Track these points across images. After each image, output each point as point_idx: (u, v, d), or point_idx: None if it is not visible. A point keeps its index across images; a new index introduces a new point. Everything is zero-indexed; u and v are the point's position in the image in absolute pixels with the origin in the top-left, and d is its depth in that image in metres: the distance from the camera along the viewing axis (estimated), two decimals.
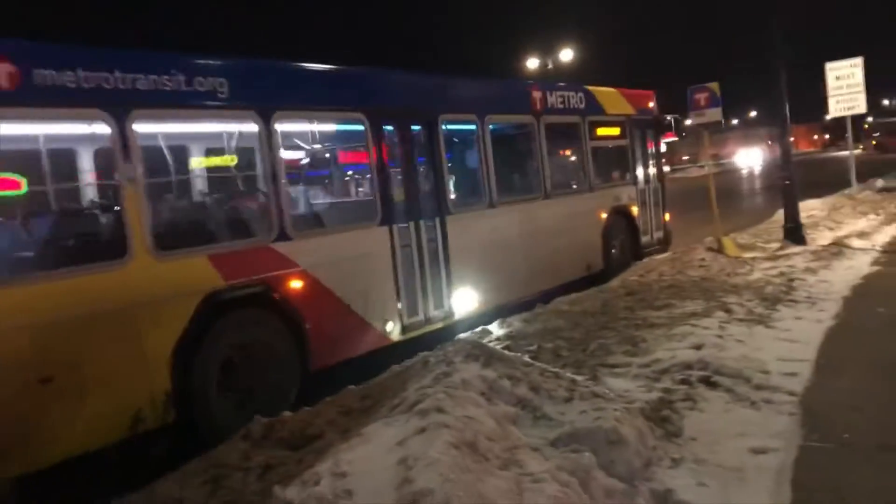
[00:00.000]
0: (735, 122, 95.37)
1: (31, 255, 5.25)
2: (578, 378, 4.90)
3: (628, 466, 3.80)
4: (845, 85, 18.00)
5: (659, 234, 11.70)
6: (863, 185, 20.03)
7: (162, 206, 6.07)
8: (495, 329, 7.59)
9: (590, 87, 10.50)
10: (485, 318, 8.21)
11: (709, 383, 5.29)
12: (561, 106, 9.83)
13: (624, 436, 3.87)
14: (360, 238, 7.00)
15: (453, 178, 8.47)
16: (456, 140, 8.85)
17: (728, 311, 7.42)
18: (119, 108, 5.26)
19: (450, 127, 8.27)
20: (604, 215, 10.40)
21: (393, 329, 7.25)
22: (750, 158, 59.98)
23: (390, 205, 7.28)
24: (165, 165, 6.27)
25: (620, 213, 10.73)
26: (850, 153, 19.89)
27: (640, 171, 11.44)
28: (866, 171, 23.85)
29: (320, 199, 8.08)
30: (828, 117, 20.04)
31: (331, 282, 6.55)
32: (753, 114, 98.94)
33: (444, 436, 3.36)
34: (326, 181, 8.65)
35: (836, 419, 4.72)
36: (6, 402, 4.50)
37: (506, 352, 5.08)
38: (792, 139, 12.50)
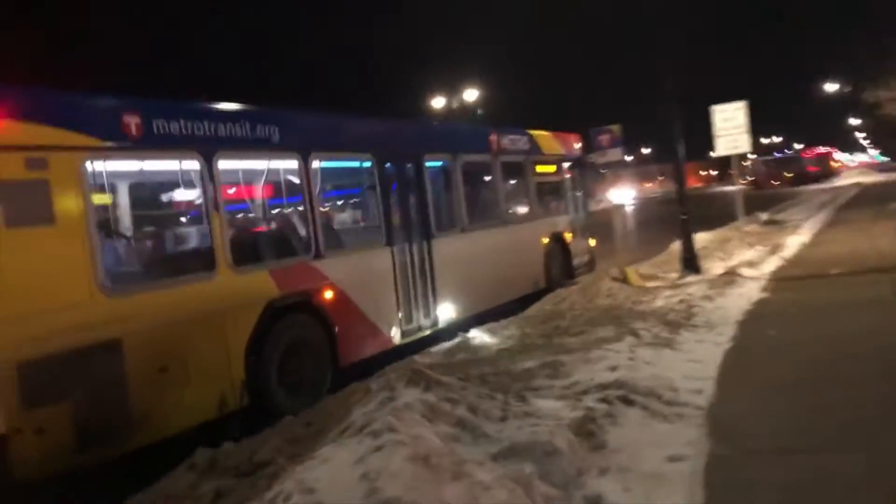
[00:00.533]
0: (629, 158, 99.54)
1: (152, 268, 6.67)
2: (510, 399, 5.29)
3: (563, 475, 4.20)
4: (731, 126, 19.43)
5: (585, 258, 13.27)
6: (748, 219, 21.53)
7: (236, 229, 7.31)
8: (420, 358, 7.91)
9: (530, 132, 12.16)
10: (460, 326, 9.44)
11: (625, 401, 5.75)
12: (512, 147, 11.49)
13: (558, 447, 4.27)
14: (371, 257, 8.43)
15: (434, 207, 9.77)
16: (435, 175, 10.15)
17: (637, 335, 7.97)
18: (208, 149, 6.62)
19: (430, 164, 9.72)
20: (545, 241, 11.98)
21: (395, 334, 8.58)
22: (622, 196, 60.74)
23: (392, 229, 8.72)
24: (238, 196, 7.76)
25: (557, 240, 12.34)
26: (736, 189, 21.35)
27: (570, 204, 13.20)
28: (749, 206, 25.56)
29: (340, 224, 9.42)
30: (714, 155, 21.47)
31: (351, 292, 7.89)
32: (647, 151, 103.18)
33: (401, 451, 3.67)
34: (344, 208, 10.07)
35: (738, 429, 5.28)
36: (136, 387, 5.61)
37: (443, 377, 5.42)
38: None
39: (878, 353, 6.78)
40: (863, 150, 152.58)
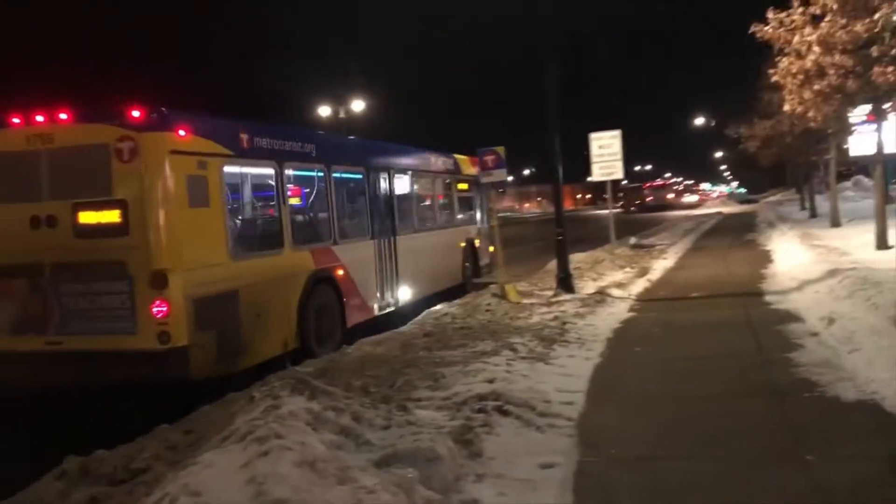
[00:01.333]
0: (511, 178, 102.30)
1: (251, 243, 8.82)
2: (393, 409, 5.43)
3: (443, 481, 4.39)
4: (606, 153, 20.40)
5: (487, 261, 15.92)
6: (619, 242, 22.63)
7: (293, 219, 9.49)
8: (303, 368, 7.92)
9: (455, 155, 15.25)
10: (412, 307, 11.96)
11: (502, 412, 6.01)
12: (444, 168, 14.58)
13: (439, 454, 4.45)
14: (363, 246, 10.99)
15: (398, 211, 12.33)
16: (398, 185, 12.48)
17: (513, 350, 8.29)
18: (280, 159, 9.17)
19: (397, 176, 12.21)
20: (462, 244, 15.02)
21: (375, 307, 11.14)
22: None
23: (374, 227, 11.33)
24: (293, 194, 9.83)
25: (470, 244, 15.41)
26: (609, 213, 22.39)
27: (479, 216, 16.14)
28: (621, 230, 26.83)
29: (345, 219, 11.16)
30: (590, 179, 22.49)
31: (352, 272, 10.37)
32: (527, 172, 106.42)
33: (288, 457, 3.74)
34: (347, 207, 11.73)
35: (604, 438, 5.64)
36: (245, 324, 7.83)
37: (328, 386, 5.50)
38: None
39: (734, 370, 7.39)
40: (726, 181, 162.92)
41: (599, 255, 18.65)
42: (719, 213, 50.52)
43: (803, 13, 14.30)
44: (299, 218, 10.05)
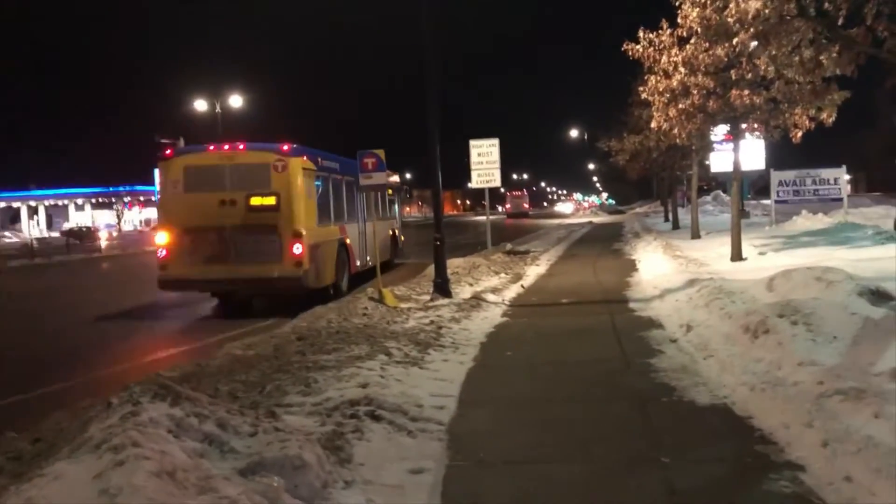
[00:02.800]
0: (395, 179, 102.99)
1: (321, 219, 14.35)
2: (261, 415, 5.28)
3: (310, 489, 4.30)
4: (485, 161, 20.76)
5: (400, 247, 22.89)
6: (496, 248, 23.04)
7: (333, 206, 15.26)
8: (169, 372, 7.62)
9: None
10: (363, 275, 16.91)
11: (374, 417, 5.98)
12: (387, 178, 18.60)
13: (307, 461, 4.36)
14: (354, 227, 16.73)
15: (366, 206, 17.77)
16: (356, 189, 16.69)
17: (389, 354, 8.28)
18: (329, 172, 15.52)
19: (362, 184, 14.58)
20: (390, 232, 21.28)
21: (359, 263, 16.72)
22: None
23: (358, 214, 17.21)
24: (332, 193, 15.48)
25: (394, 232, 21.88)
26: (487, 219, 22.75)
27: (396, 213, 22.91)
28: (498, 236, 27.28)
29: (347, 209, 16.67)
30: (470, 186, 22.78)
31: (350, 240, 16.14)
32: (408, 176, 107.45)
33: (145, 466, 3.56)
34: (347, 201, 16.91)
35: (474, 443, 5.70)
36: (321, 263, 13.79)
37: (193, 391, 5.29)
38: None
39: (599, 375, 7.66)
40: (597, 192, 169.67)
41: (476, 260, 18.91)
42: (590, 223, 52.43)
43: (671, 34, 15.06)
44: (334, 206, 15.75)
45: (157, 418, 4.61)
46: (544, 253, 24.08)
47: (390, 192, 21.56)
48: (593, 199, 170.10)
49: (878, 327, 7.13)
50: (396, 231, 22.44)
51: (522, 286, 15.36)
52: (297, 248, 13.35)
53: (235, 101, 34.31)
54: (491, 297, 13.39)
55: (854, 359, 6.41)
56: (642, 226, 39.85)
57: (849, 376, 5.84)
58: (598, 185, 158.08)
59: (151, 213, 76.51)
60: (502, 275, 17.00)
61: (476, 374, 7.96)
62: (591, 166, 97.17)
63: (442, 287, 13.17)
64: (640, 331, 9.81)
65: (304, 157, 13.96)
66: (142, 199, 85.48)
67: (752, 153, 24.26)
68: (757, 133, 17.23)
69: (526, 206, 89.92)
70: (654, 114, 16.07)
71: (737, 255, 16.22)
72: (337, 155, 16.28)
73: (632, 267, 18.59)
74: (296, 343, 8.94)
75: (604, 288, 14.69)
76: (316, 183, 14.41)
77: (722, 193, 47.04)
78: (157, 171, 14.69)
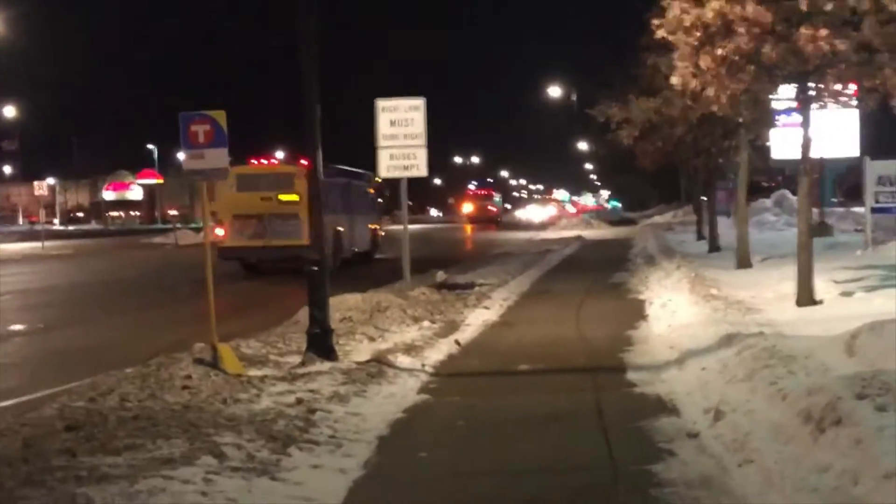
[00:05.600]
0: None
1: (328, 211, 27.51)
2: None
3: None
4: (402, 134, 20.75)
5: (380, 241, 41.53)
6: (419, 278, 22.98)
7: (335, 202, 34.24)
8: None
9: (368, 172, 37.49)
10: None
11: None
12: (373, 182, 40.59)
13: None
14: (342, 219, 35.83)
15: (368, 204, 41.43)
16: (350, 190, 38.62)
17: (220, 455, 8.13)
18: (331, 176, 33.42)
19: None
20: (371, 227, 40.56)
21: (348, 251, 36.21)
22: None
23: (349, 210, 37.24)
24: (338, 194, 35.78)
25: (374, 227, 41.05)
26: (405, 231, 22.67)
27: (377, 209, 42.55)
28: (426, 259, 27.22)
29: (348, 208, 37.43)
30: (382, 176, 22.64)
31: (343, 230, 35.73)
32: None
33: None
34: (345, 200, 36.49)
35: None
36: (345, 240, 36.13)
37: None
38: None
39: (569, 496, 7.64)
40: (594, 190, 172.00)
41: (385, 297, 18.88)
42: (578, 239, 52.86)
43: None
44: (334, 203, 30.99)
45: None
46: (500, 287, 24.05)
47: (371, 190, 40.80)
48: (587, 199, 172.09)
49: None
50: (377, 226, 41.59)
51: (458, 342, 15.35)
52: None
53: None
54: (404, 359, 13.34)
55: None
56: (661, 245, 40.50)
57: None
58: (594, 179, 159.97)
59: None
60: (426, 323, 16.97)
61: (365, 492, 7.89)
62: (583, 146, 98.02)
63: (321, 342, 13.05)
64: (642, 418, 9.87)
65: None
66: None
67: (836, 132, 24.22)
68: (841, 100, 17.47)
69: (494, 209, 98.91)
70: (678, 64, 16.05)
71: (806, 297, 16.38)
72: (343, 167, 36.44)
73: (638, 312, 18.79)
74: (63, 435, 8.73)
75: (590, 347, 14.79)
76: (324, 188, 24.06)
77: (790, 195, 47.60)
78: None
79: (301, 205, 29.11)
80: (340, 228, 34.08)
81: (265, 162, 35.10)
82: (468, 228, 79.29)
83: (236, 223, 31.97)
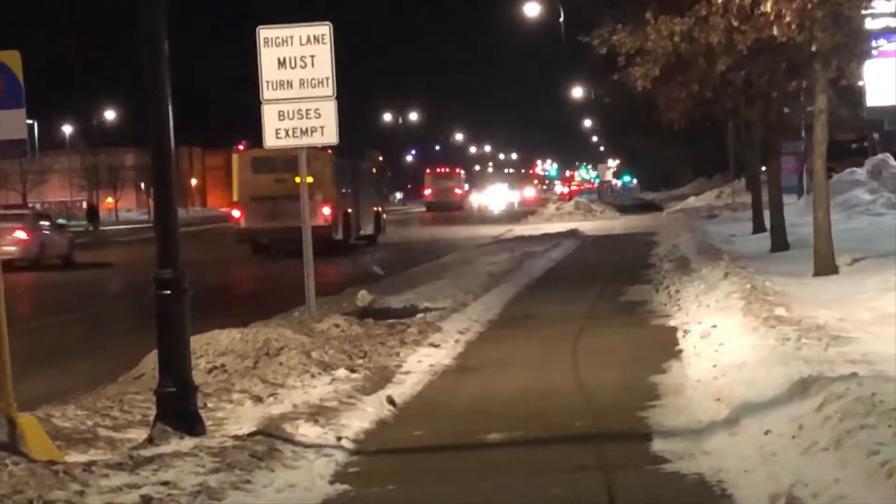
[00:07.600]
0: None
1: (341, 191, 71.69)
2: None
3: None
4: (297, 80, 20.47)
5: (383, 223, 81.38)
6: (334, 299, 22.73)
7: (346, 184, 76.35)
8: None
9: (372, 151, 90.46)
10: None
11: None
12: (377, 162, 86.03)
13: None
14: (352, 200, 77.02)
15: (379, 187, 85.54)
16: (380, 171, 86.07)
17: None
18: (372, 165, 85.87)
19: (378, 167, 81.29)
20: (374, 210, 79.38)
21: (351, 236, 73.67)
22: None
23: (356, 192, 78.40)
24: (349, 175, 76.86)
25: (378, 210, 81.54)
26: (306, 232, 22.29)
27: (381, 192, 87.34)
28: (353, 269, 26.90)
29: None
30: (267, 146, 22.34)
31: (352, 212, 77.21)
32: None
33: None
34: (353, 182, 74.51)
35: None
36: (354, 222, 76.40)
37: None
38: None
39: None
40: (597, 163, 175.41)
41: (279, 334, 18.86)
42: (573, 233, 53.42)
43: None
44: (345, 185, 66.21)
45: None
46: (455, 312, 24.37)
47: (374, 169, 70.12)
48: (584, 175, 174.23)
49: None
50: (381, 209, 70.29)
51: (391, 401, 15.20)
52: (326, 210, 55.71)
53: None
54: (308, 430, 13.13)
55: None
56: (699, 241, 41.21)
57: None
58: (595, 143, 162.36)
59: None
60: (341, 371, 16.90)
61: None
62: (578, 93, 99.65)
63: (178, 406, 12.88)
64: None
65: (329, 152, 50.27)
66: None
67: None
68: None
69: (458, 191, 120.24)
70: None
71: None
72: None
73: (667, 347, 18.80)
74: None
75: (595, 402, 14.74)
76: (336, 168, 55.13)
77: (892, 161, 48.08)
78: (233, 160, 62.89)
79: (315, 186, 43.82)
80: (349, 210, 58.12)
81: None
82: (426, 218, 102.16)
83: (252, 205, 52.40)
